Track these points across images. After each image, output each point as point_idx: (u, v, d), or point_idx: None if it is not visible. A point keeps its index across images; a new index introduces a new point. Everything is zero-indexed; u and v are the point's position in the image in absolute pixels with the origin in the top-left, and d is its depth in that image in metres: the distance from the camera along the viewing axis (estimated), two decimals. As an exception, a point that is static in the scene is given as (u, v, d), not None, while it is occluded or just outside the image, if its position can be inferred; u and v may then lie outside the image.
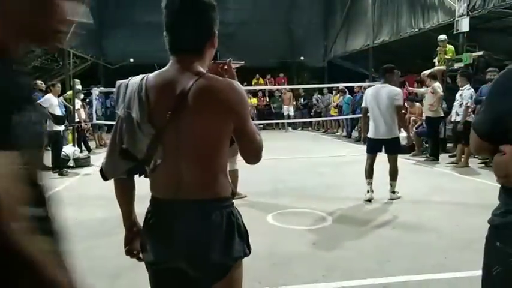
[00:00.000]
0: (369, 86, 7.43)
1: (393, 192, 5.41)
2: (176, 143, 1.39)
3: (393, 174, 5.38)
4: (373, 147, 5.40)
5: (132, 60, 16.69)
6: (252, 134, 1.44)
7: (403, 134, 9.48)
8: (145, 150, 1.40)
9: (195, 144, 1.39)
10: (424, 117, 8.92)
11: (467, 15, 9.61)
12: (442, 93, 8.34)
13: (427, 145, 9.17)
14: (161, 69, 1.46)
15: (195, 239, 1.40)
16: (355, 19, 16.30)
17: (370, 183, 5.38)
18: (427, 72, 9.49)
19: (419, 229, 4.30)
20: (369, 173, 5.39)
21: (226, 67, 1.51)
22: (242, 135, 1.43)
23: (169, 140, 1.39)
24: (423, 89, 9.48)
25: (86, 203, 5.54)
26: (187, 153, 1.39)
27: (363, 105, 5.59)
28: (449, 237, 4.01)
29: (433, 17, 11.42)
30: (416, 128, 9.45)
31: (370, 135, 5.39)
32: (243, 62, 1.58)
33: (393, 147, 5.31)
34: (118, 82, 1.50)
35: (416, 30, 12.15)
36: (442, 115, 8.55)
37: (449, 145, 9.46)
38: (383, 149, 5.37)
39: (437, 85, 8.44)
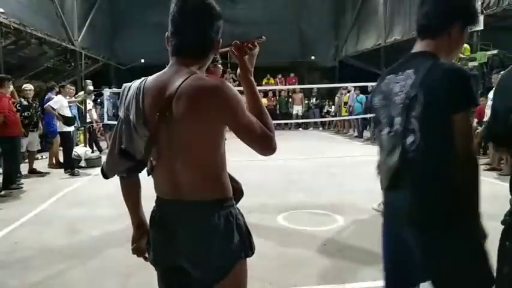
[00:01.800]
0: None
1: None
2: (169, 145, 1.41)
3: None
4: None
5: (143, 60, 16.78)
6: (249, 127, 1.39)
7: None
8: (142, 151, 1.43)
9: (186, 146, 1.39)
10: None
11: (482, 13, 9.47)
12: None
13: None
14: (160, 72, 1.48)
15: (193, 239, 1.42)
16: (367, 18, 16.18)
17: None
18: None
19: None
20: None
21: (250, 45, 1.52)
22: (238, 131, 1.39)
23: (162, 141, 1.41)
24: None
25: (98, 203, 5.58)
26: (180, 154, 1.40)
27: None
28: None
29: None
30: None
31: None
32: (264, 38, 1.55)
33: None
34: (124, 85, 1.53)
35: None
36: None
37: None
38: None
39: None
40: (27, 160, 7.97)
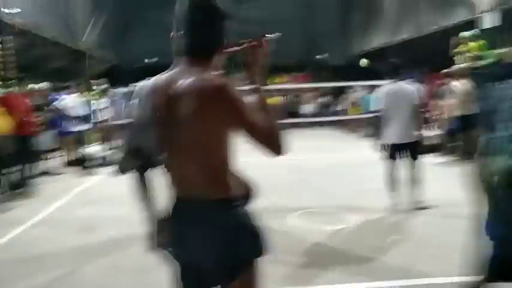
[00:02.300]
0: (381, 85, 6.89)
1: (414, 201, 4.88)
2: (178, 144, 1.43)
3: (413, 181, 4.80)
4: (392, 153, 4.80)
5: (153, 60, 16.85)
6: (256, 127, 1.39)
7: (431, 133, 9.34)
8: (154, 150, 1.48)
9: (194, 145, 1.41)
10: (453, 115, 8.60)
11: (492, 11, 9.38)
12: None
13: (452, 144, 8.96)
14: (169, 71, 1.50)
15: (202, 238, 1.43)
16: (375, 17, 16.11)
17: (395, 197, 4.85)
18: (454, 69, 9.27)
19: (445, 230, 4.21)
20: (393, 185, 4.85)
21: (262, 45, 1.51)
22: (244, 131, 1.39)
23: (171, 140, 1.44)
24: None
25: (111, 201, 5.64)
26: (187, 153, 1.42)
27: (376, 107, 4.95)
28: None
29: (455, 13, 11.19)
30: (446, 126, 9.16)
31: (388, 140, 4.80)
32: (272, 36, 1.53)
33: (414, 152, 4.74)
34: (137, 85, 1.57)
35: (437, 27, 11.93)
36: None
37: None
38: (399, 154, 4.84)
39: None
40: (42, 159, 8.07)
